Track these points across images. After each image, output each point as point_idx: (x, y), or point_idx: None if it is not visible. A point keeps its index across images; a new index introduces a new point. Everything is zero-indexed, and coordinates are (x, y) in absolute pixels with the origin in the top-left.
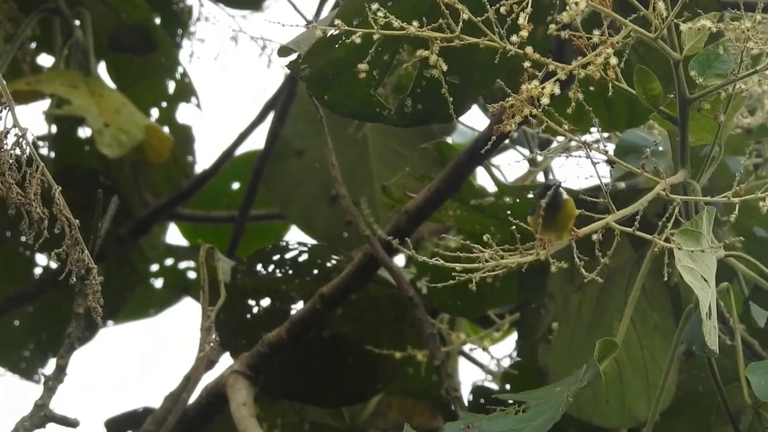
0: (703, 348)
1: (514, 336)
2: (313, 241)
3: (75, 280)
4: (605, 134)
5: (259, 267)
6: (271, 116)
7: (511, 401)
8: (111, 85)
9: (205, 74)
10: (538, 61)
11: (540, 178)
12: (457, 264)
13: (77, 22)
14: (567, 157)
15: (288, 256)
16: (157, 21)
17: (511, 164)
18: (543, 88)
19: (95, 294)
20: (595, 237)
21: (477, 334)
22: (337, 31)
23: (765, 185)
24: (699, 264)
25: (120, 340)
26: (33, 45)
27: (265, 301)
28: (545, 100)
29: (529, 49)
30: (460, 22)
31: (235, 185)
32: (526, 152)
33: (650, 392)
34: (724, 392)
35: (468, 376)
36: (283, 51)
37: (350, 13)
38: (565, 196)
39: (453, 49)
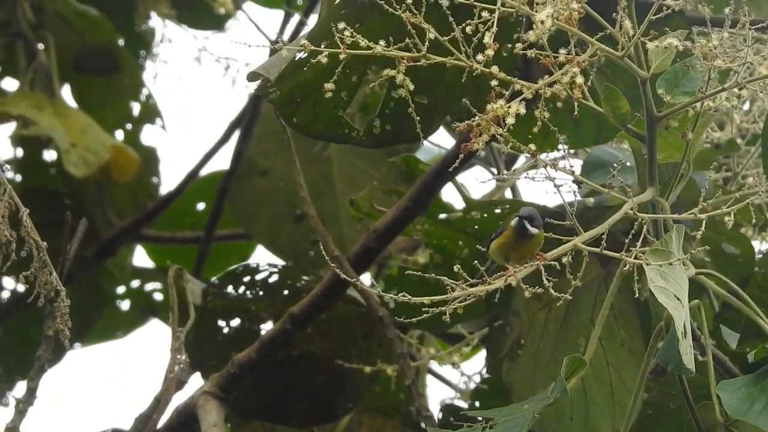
0: (680, 367)
1: (483, 353)
2: (283, 262)
3: (43, 302)
4: (573, 150)
5: (230, 288)
6: (235, 136)
7: (479, 418)
8: (75, 107)
9: (170, 95)
10: (504, 80)
11: (507, 193)
12: (428, 298)
13: (41, 46)
14: (532, 178)
15: (258, 277)
16: (121, 42)
17: (478, 181)
18: (509, 107)
19: (63, 316)
20: (564, 260)
21: (446, 349)
22: (306, 54)
23: (731, 200)
24: (671, 283)
25: (87, 362)
26: None
27: (235, 322)
28: (511, 120)
29: (495, 69)
30: (427, 42)
31: (200, 205)
32: (492, 168)
33: (615, 409)
34: (696, 410)
35: (436, 392)
36: (253, 76)
37: (319, 35)
38: (533, 231)
39: (420, 68)
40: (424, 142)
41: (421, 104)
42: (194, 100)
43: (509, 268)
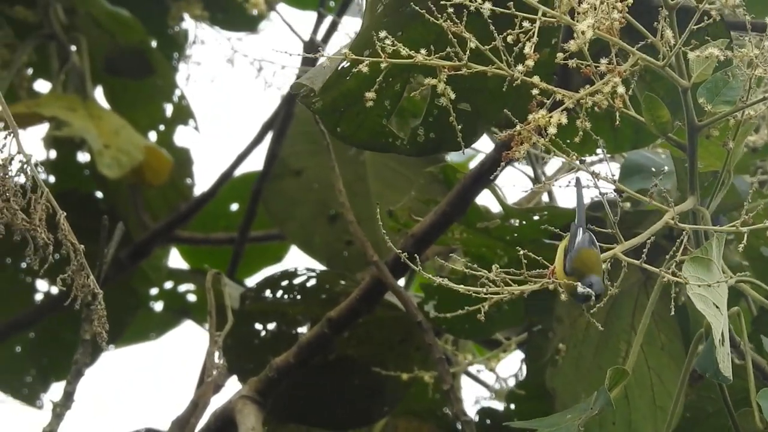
0: (717, 375)
1: (517, 355)
2: (321, 267)
3: (79, 305)
4: (609, 155)
5: (268, 293)
6: (269, 137)
7: (521, 427)
8: (108, 109)
9: (203, 97)
10: (546, 89)
11: (545, 198)
12: (469, 288)
13: (73, 48)
14: (571, 181)
15: (296, 281)
16: (154, 44)
17: (514, 185)
18: (550, 117)
19: (101, 319)
20: (603, 267)
21: (482, 354)
22: (348, 64)
23: None
24: (711, 291)
25: (121, 363)
26: (29, 71)
27: (272, 325)
28: (552, 130)
29: (536, 78)
30: (468, 51)
31: (234, 206)
32: (528, 170)
33: (657, 414)
34: (735, 417)
35: (470, 392)
36: (297, 87)
37: (361, 45)
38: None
39: (462, 77)
40: None
41: (464, 111)
42: (227, 102)
43: (549, 270)
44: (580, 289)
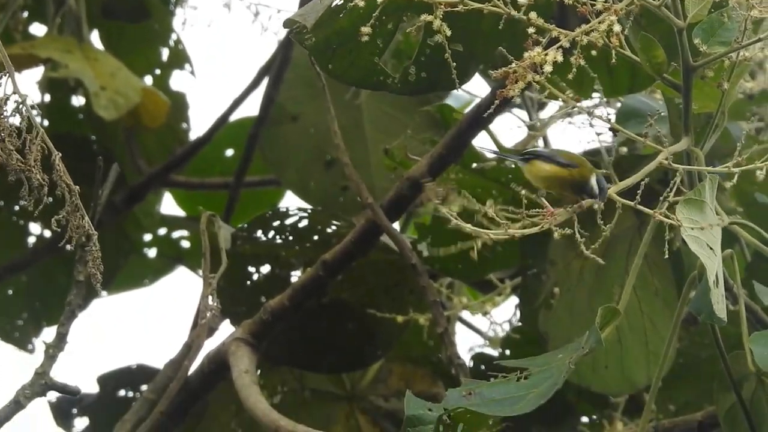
0: (711, 316)
1: (512, 300)
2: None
3: (73, 247)
4: (605, 99)
5: (259, 233)
6: (265, 82)
7: (512, 368)
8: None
9: (199, 41)
10: (542, 27)
11: (540, 143)
12: (465, 224)
13: None
14: (568, 123)
15: (288, 222)
16: None
17: (510, 129)
18: (546, 54)
19: (95, 261)
20: (596, 207)
21: (476, 299)
22: (342, 1)
23: (766, 151)
24: (705, 232)
25: (113, 309)
26: (25, 14)
27: (265, 268)
28: (548, 68)
29: (532, 15)
30: None
31: (229, 152)
32: (524, 115)
33: (650, 358)
34: (728, 359)
35: (464, 340)
36: (289, 23)
37: None
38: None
39: (456, 16)
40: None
41: (457, 52)
42: (224, 46)
43: (547, 209)
44: (593, 184)
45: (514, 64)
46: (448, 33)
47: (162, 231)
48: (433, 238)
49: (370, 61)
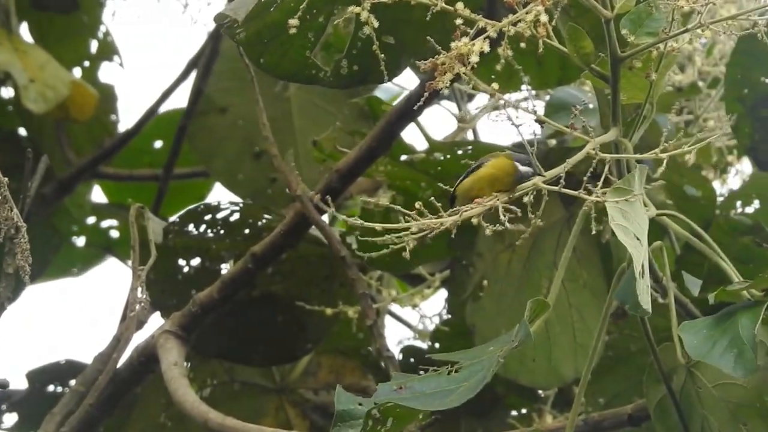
0: (636, 307)
1: (441, 293)
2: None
3: (2, 239)
4: (535, 92)
5: (191, 227)
6: (194, 74)
7: (443, 361)
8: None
9: (128, 33)
10: (469, 19)
11: (469, 135)
12: (390, 225)
13: None
14: (495, 117)
15: (219, 215)
16: None
17: (439, 122)
18: (472, 45)
19: (24, 253)
20: (526, 199)
21: (406, 291)
22: None
23: (692, 142)
24: (632, 223)
25: (43, 299)
26: None
27: (196, 261)
28: (474, 58)
29: (459, 5)
30: None
31: (158, 143)
32: (453, 107)
33: (578, 351)
34: (657, 351)
35: (393, 333)
36: (220, 18)
37: None
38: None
39: (387, 8)
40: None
41: (388, 44)
42: (153, 38)
43: (474, 201)
44: (521, 168)
45: (441, 56)
46: (376, 24)
47: (91, 220)
48: (361, 230)
49: (301, 54)
